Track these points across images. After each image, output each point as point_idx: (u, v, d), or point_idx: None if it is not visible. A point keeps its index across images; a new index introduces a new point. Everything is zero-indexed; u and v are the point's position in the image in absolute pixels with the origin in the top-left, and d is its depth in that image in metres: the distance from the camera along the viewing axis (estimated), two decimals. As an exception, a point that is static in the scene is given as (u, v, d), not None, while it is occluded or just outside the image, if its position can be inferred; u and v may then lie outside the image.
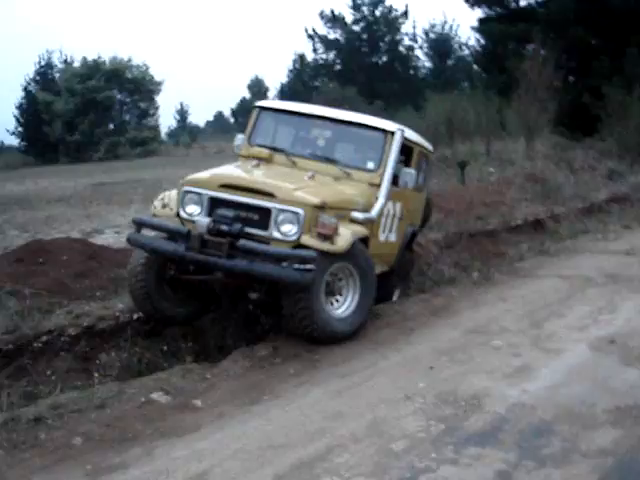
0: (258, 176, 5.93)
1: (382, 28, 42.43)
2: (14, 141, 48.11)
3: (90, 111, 44.02)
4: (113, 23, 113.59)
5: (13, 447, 3.86)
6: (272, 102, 7.43)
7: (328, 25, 42.22)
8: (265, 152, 6.45)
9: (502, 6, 26.50)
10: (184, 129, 63.38)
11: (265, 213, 5.39)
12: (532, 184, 14.60)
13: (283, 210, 5.35)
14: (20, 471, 3.65)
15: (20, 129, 45.86)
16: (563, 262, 9.37)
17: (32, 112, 45.03)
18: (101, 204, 15.62)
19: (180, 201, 5.67)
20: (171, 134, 62.22)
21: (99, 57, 45.82)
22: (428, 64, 46.31)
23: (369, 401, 4.53)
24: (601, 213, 13.63)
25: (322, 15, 41.97)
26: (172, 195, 5.87)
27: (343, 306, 5.74)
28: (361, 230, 5.85)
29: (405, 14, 42.36)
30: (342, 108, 7.57)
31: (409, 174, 6.61)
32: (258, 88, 61.97)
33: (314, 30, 42.08)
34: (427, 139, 7.94)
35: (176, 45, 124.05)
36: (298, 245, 5.32)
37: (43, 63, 47.24)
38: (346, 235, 5.41)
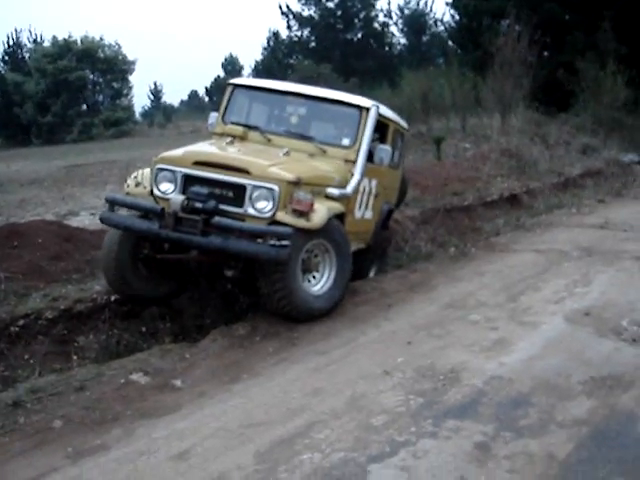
0: (232, 153, 5.86)
1: (356, 4, 42.14)
2: (-17, 123, 47.32)
3: (62, 92, 43.27)
4: (83, 1, 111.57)
5: (-8, 431, 3.85)
6: (246, 79, 7.42)
7: (302, 2, 41.88)
8: (239, 130, 6.41)
9: (476, -19, 26.42)
10: (158, 109, 62.63)
11: (239, 190, 5.34)
12: (507, 159, 14.72)
13: (258, 186, 5.30)
14: None
15: (-10, 111, 45.07)
16: (539, 236, 9.47)
17: (2, 93, 44.24)
18: (76, 186, 15.44)
19: (153, 179, 5.62)
20: (145, 114, 61.42)
21: (70, 36, 44.94)
22: (403, 40, 46.18)
23: (348, 377, 4.56)
24: (576, 188, 13.80)
25: (296, -9, 41.64)
26: (145, 173, 5.81)
27: (320, 283, 5.75)
28: (337, 206, 5.82)
29: (379, -10, 42.13)
30: (317, 85, 7.54)
31: (384, 150, 6.56)
32: (232, 66, 61.37)
33: (288, 7, 41.76)
34: (402, 116, 7.94)
35: (148, 23, 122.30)
36: (273, 222, 5.28)
37: (12, 42, 46.37)
38: (322, 211, 5.38)
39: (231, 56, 63.13)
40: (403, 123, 7.79)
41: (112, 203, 5.66)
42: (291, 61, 41.75)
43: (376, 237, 7.22)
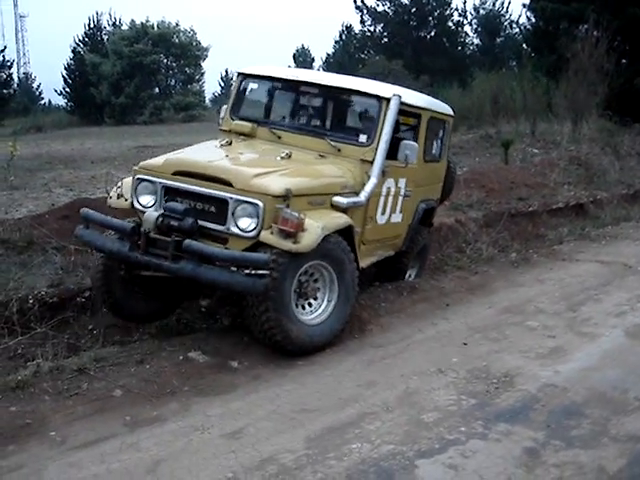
0: (219, 159, 5.11)
1: (432, 2, 41.70)
2: (61, 101, 48.88)
3: (136, 74, 44.31)
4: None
5: (58, 394, 4.05)
6: (257, 67, 6.36)
7: (377, -3, 41.65)
8: (247, 126, 5.82)
9: (556, -16, 25.88)
10: (228, 96, 63.42)
11: (222, 204, 4.67)
12: (576, 167, 14.39)
13: (240, 201, 4.60)
14: (63, 417, 3.83)
15: (67, 89, 46.44)
16: (603, 248, 9.26)
17: (80, 73, 45.54)
18: (144, 167, 15.78)
19: (133, 191, 5.04)
20: (215, 100, 62.28)
21: (147, 21, 45.97)
22: (476, 41, 45.48)
23: (402, 372, 4.62)
24: (645, 201, 13.39)
25: (372, -14, 41.46)
26: (127, 183, 5.23)
27: (318, 311, 5.00)
28: (340, 220, 5.02)
29: (456, -12, 41.62)
30: (387, 81, 7.25)
31: (410, 147, 5.73)
32: (304, 58, 61.61)
33: (363, 1, 41.51)
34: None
35: (223, 11, 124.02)
36: (260, 242, 4.62)
37: (92, 25, 47.61)
38: (315, 230, 4.60)
39: (303, 47, 63.33)
40: (443, 109, 6.96)
41: (86, 219, 5.11)
42: (362, 56, 41.60)
43: (410, 241, 6.57)
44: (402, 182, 6.09)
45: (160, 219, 4.65)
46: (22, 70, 58.29)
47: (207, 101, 54.34)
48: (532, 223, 10.23)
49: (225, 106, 6.26)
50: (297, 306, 4.87)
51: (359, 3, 41.43)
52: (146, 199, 4.97)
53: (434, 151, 6.76)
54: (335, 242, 4.91)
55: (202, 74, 49.38)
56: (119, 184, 5.34)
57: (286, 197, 4.61)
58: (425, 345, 5.20)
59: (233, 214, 4.63)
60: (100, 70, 44.08)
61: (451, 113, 7.18)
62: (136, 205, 5.02)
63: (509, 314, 6.07)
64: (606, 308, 6.38)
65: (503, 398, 4.28)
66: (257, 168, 4.92)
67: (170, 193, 4.86)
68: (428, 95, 7.14)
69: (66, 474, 3.33)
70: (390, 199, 5.97)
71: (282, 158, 5.21)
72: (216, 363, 4.64)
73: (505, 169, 13.24)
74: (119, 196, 5.22)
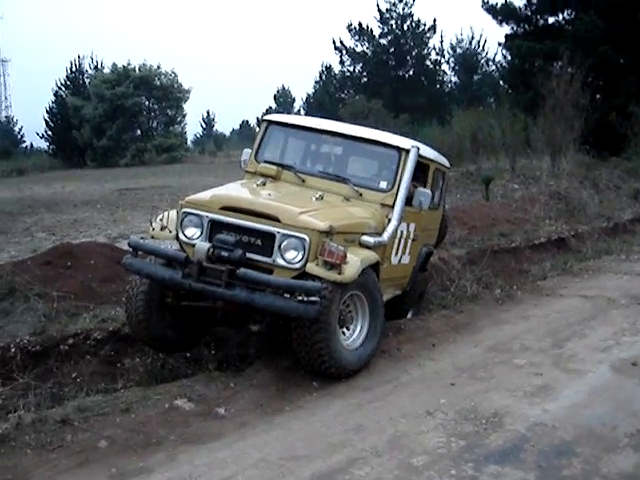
0: (262, 197, 5.52)
1: (409, 42, 42.45)
2: (43, 144, 48.92)
3: (118, 117, 44.54)
4: (144, 30, 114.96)
5: (40, 447, 3.95)
6: (282, 116, 7.07)
7: (356, 38, 42.33)
8: (272, 169, 6.17)
9: (530, 23, 26.47)
10: (210, 137, 63.95)
11: (269, 238, 5.03)
12: (556, 202, 14.56)
13: (287, 235, 4.99)
14: (47, 471, 3.74)
15: (49, 133, 46.52)
16: (586, 282, 9.33)
17: (61, 116, 45.68)
18: (127, 209, 15.78)
19: (179, 223, 5.33)
20: (197, 142, 62.79)
21: (129, 63, 46.39)
22: (454, 79, 46.34)
23: (390, 415, 4.57)
24: (625, 233, 13.55)
25: (350, 28, 42.10)
26: (172, 216, 5.52)
27: (353, 336, 5.43)
28: (371, 256, 5.48)
29: (433, 28, 42.37)
30: (367, 121, 7.48)
31: (424, 194, 6.23)
32: (284, 98, 62.32)
33: (342, 42, 42.18)
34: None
35: (205, 53, 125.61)
36: (303, 274, 4.97)
37: (74, 69, 47.90)
38: (355, 263, 5.05)
39: (283, 88, 64.14)
40: (445, 161, 7.50)
41: (135, 249, 5.37)
42: (342, 95, 42.08)
43: (413, 281, 6.94)
44: (412, 226, 6.55)
45: (211, 250, 4.94)
46: (4, 113, 58.49)
47: (189, 142, 54.68)
48: (515, 259, 10.30)
49: (246, 150, 6.61)
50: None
51: (338, 44, 42.10)
52: (192, 231, 5.27)
53: (435, 199, 7.12)
54: (369, 275, 5.39)
55: (184, 116, 49.79)
56: (160, 216, 5.58)
57: (329, 233, 5.06)
58: (412, 387, 5.16)
59: (280, 247, 5.01)
60: (82, 113, 44.30)
61: (449, 165, 7.77)
62: (181, 237, 5.31)
63: (495, 352, 6.06)
64: (592, 343, 6.39)
65: (492, 439, 4.24)
66: (300, 206, 5.31)
67: (216, 226, 5.18)
68: (407, 134, 7.30)
69: (50, 531, 3.25)
70: (402, 242, 6.40)
71: (317, 199, 5.66)
72: (202, 410, 4.58)
73: (486, 205, 13.38)
74: (162, 228, 5.48)
